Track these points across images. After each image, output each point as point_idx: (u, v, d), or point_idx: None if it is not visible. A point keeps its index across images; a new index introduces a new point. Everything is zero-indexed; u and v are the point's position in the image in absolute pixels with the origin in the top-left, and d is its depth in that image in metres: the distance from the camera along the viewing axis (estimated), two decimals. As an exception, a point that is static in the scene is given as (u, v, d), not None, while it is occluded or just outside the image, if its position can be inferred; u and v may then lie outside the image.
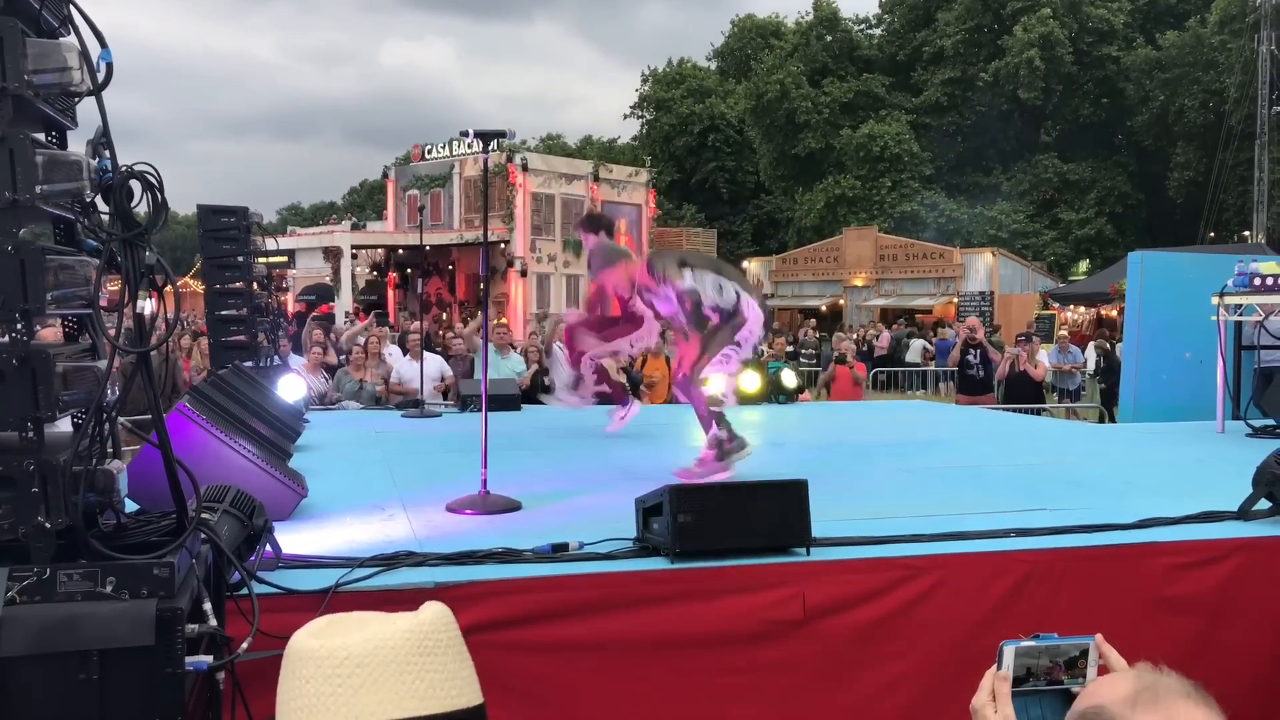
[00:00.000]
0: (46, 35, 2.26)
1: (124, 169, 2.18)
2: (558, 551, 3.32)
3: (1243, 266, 6.76)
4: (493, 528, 3.79)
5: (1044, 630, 1.81)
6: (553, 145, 62.15)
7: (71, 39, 2.19)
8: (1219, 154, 36.64)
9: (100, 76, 2.17)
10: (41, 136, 2.33)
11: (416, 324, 13.13)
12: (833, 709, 3.25)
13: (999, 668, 1.57)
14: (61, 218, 2.32)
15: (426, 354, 10.05)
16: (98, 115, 2.20)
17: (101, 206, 2.26)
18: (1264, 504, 3.87)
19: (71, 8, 2.17)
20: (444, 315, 31.23)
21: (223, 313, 7.09)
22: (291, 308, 28.14)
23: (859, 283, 36.45)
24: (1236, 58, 38.13)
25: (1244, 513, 3.87)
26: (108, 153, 2.21)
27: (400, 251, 34.24)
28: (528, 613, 3.05)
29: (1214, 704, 1.24)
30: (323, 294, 31.97)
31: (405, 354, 10.80)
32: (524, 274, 33.14)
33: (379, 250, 35.51)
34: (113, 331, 2.23)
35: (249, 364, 6.65)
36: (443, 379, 10.13)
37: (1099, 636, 1.58)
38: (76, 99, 2.28)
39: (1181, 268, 9.44)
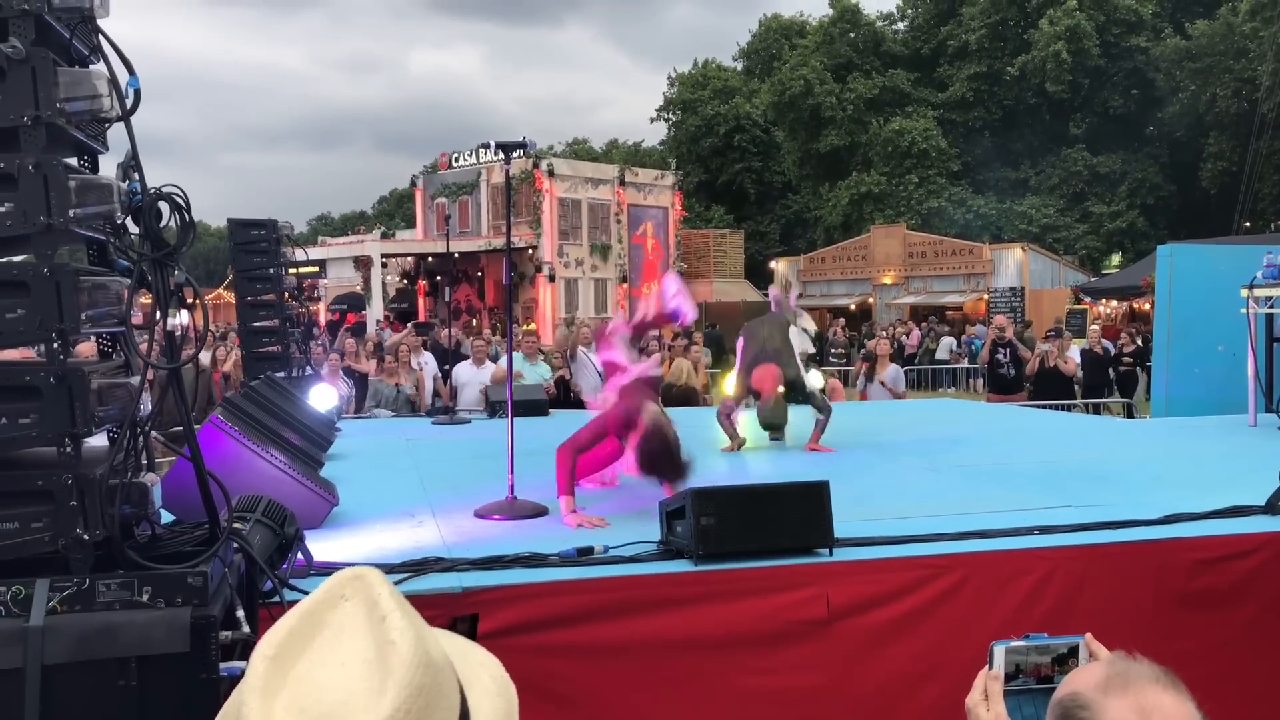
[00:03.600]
0: (77, 63, 2.34)
1: (152, 191, 2.25)
2: (583, 555, 3.38)
3: (1271, 258, 6.70)
4: (520, 533, 3.85)
5: (1066, 627, 1.84)
6: (579, 150, 62.33)
7: (101, 66, 2.27)
8: (1252, 143, 36.09)
9: (129, 103, 2.24)
10: (74, 161, 2.41)
11: (444, 332, 13.26)
12: (857, 709, 3.28)
13: (990, 667, 1.61)
14: (94, 239, 2.40)
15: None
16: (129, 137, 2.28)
17: (133, 227, 2.34)
18: (1291, 498, 3.85)
19: (100, 37, 2.25)
20: (474, 322, 31.39)
21: (255, 324, 7.22)
22: (324, 318, 28.42)
23: (888, 280, 36.24)
24: (1268, 45, 37.55)
25: (1272, 507, 3.85)
26: (137, 175, 2.29)
27: (430, 259, 34.47)
28: (553, 616, 3.10)
29: (1183, 689, 1.29)
30: (354, 303, 32.24)
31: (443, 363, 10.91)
32: (552, 279, 33.25)
33: (409, 258, 35.77)
34: (145, 348, 2.31)
35: (281, 374, 6.76)
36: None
37: (1089, 635, 1.62)
38: (107, 124, 2.36)
39: (1212, 260, 9.35)
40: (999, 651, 1.64)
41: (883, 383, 10.99)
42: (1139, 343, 14.30)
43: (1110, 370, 13.62)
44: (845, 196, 46.03)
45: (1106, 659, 1.44)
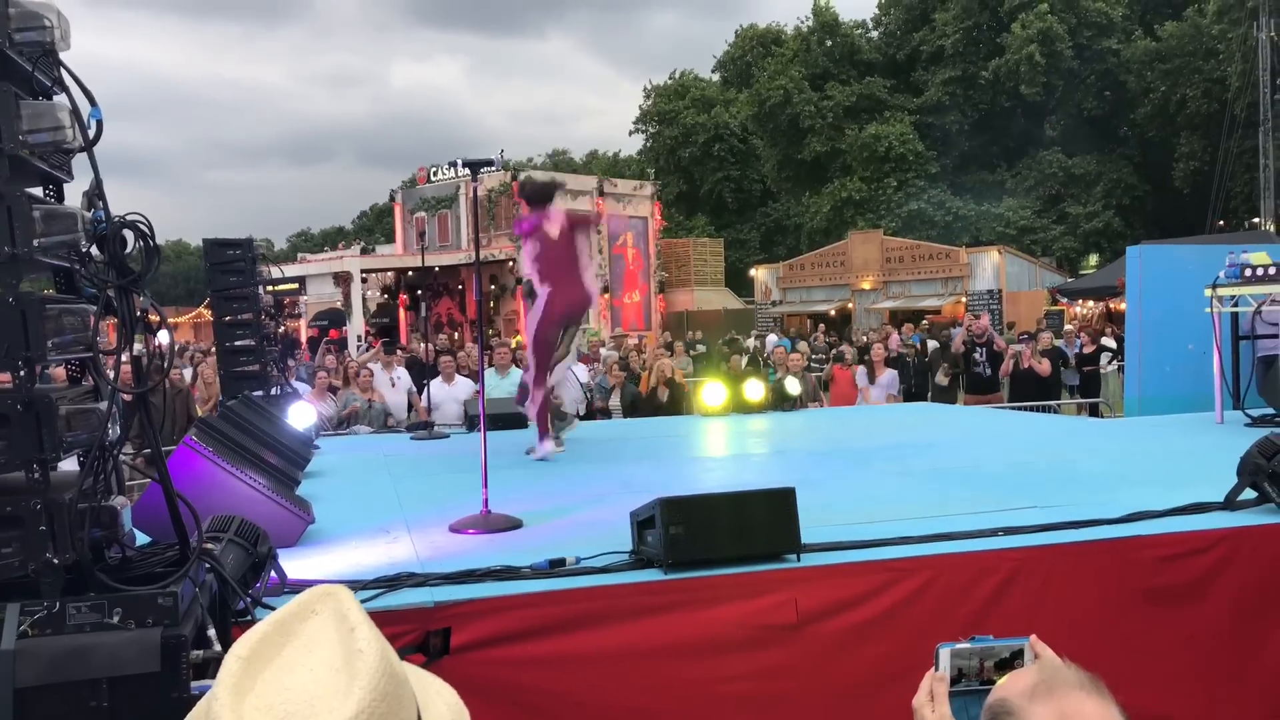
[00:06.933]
0: (40, 95, 2.39)
1: (116, 219, 2.30)
2: (555, 567, 3.42)
3: (1233, 258, 6.82)
4: (493, 546, 3.88)
5: (1032, 626, 1.88)
6: (559, 161, 62.45)
7: (63, 98, 2.31)
8: (1223, 142, 36.53)
9: (91, 133, 2.29)
10: (39, 191, 2.45)
11: (425, 346, 13.27)
12: (829, 712, 3.33)
13: (936, 669, 1.66)
14: (60, 267, 2.44)
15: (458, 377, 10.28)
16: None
17: (99, 254, 2.38)
18: (1249, 494, 3.93)
19: (62, 69, 2.29)
20: (455, 335, 31.38)
21: (232, 344, 7.24)
22: (304, 334, 28.36)
23: (866, 286, 36.44)
24: (1237, 46, 38.04)
25: (1230, 503, 3.93)
26: (101, 204, 2.33)
27: (410, 274, 34.45)
28: (525, 628, 3.14)
29: (1107, 694, 1.34)
30: (335, 319, 32.18)
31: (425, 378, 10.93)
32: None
33: (389, 273, 35.73)
34: (113, 373, 2.34)
35: (258, 393, 6.78)
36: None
37: (1033, 637, 1.66)
38: (70, 154, 2.40)
39: (1180, 260, 9.47)
40: (944, 654, 1.69)
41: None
42: (1102, 343, 14.40)
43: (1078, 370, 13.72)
44: (827, 203, 46.34)
45: (1037, 665, 1.49)
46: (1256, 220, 37.16)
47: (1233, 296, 6.91)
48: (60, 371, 3.08)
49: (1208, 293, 6.91)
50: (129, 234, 2.32)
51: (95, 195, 2.35)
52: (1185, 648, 3.59)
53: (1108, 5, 44.45)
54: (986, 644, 1.69)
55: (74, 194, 2.48)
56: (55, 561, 2.15)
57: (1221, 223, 37.31)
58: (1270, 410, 6.95)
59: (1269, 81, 34.53)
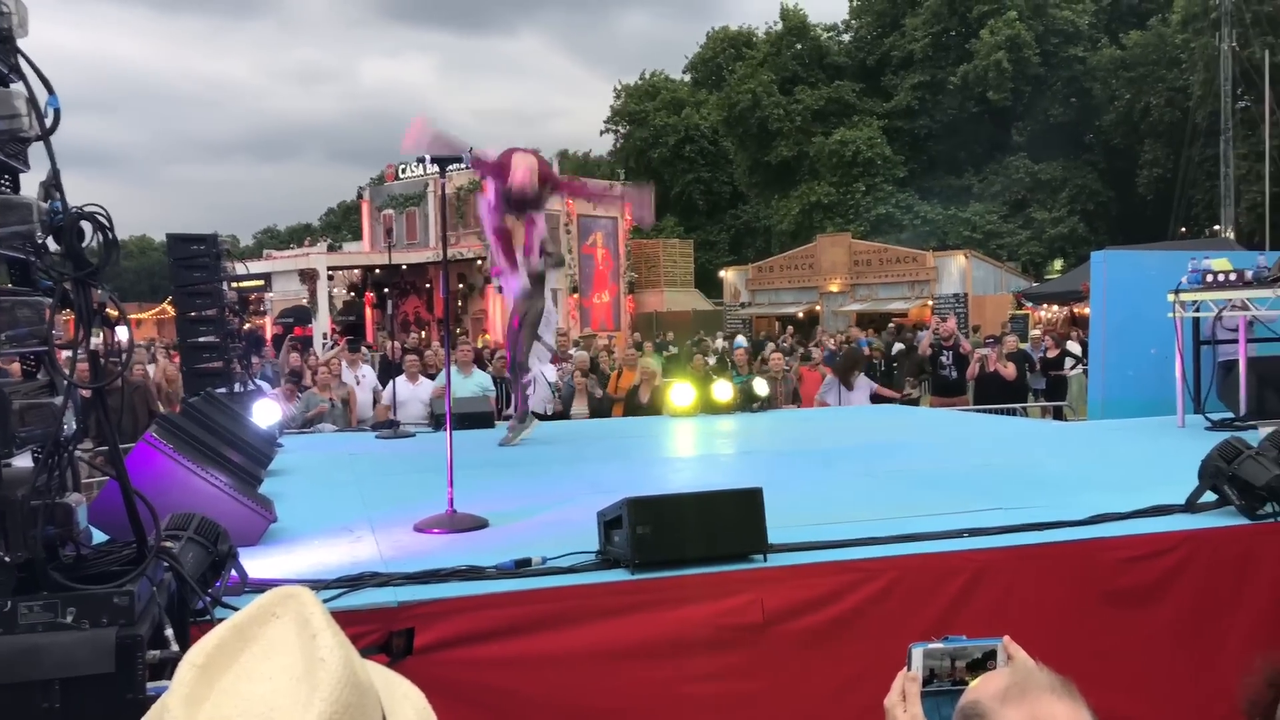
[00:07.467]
0: (-3, 83, 2.33)
1: (74, 210, 2.25)
2: (520, 567, 3.39)
3: (1195, 264, 6.91)
4: (459, 546, 3.85)
5: (996, 627, 1.88)
6: (528, 161, 62.03)
7: (20, 86, 2.26)
8: (1185, 150, 37.01)
9: (49, 122, 2.24)
10: (-7, 181, 2.40)
11: (391, 344, 13.17)
12: (794, 712, 3.33)
13: (909, 669, 1.65)
14: (15, 259, 2.38)
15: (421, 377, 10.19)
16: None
17: (55, 246, 2.33)
18: (1210, 496, 3.97)
19: (20, 57, 2.24)
20: (422, 334, 31.18)
21: (196, 340, 7.16)
22: (270, 331, 28.11)
23: (834, 289, 36.63)
24: (1199, 55, 38.55)
25: (1191, 505, 3.97)
26: (59, 194, 2.29)
27: (377, 271, 34.22)
28: (490, 628, 3.11)
29: (1079, 698, 1.33)
30: (300, 317, 31.91)
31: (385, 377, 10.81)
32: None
33: (355, 271, 35.48)
34: (70, 367, 2.29)
35: (222, 390, 6.70)
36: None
37: (1007, 638, 1.66)
38: (27, 143, 2.35)
39: (1144, 265, 9.58)
40: (916, 653, 1.68)
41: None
42: (1066, 347, 14.55)
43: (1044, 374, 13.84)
44: (796, 206, 46.53)
45: (1010, 668, 1.49)
46: (1218, 227, 37.65)
47: (1194, 302, 7.00)
48: (16, 367, 3.03)
49: (1170, 298, 6.99)
50: (87, 226, 2.28)
51: (52, 186, 2.30)
52: (1146, 648, 3.62)
53: (1075, 13, 44.95)
54: (959, 644, 1.68)
55: (31, 185, 2.43)
56: (6, 559, 2.10)
57: (1184, 229, 37.77)
58: (1230, 414, 7.05)
59: (1230, 91, 35.02)
